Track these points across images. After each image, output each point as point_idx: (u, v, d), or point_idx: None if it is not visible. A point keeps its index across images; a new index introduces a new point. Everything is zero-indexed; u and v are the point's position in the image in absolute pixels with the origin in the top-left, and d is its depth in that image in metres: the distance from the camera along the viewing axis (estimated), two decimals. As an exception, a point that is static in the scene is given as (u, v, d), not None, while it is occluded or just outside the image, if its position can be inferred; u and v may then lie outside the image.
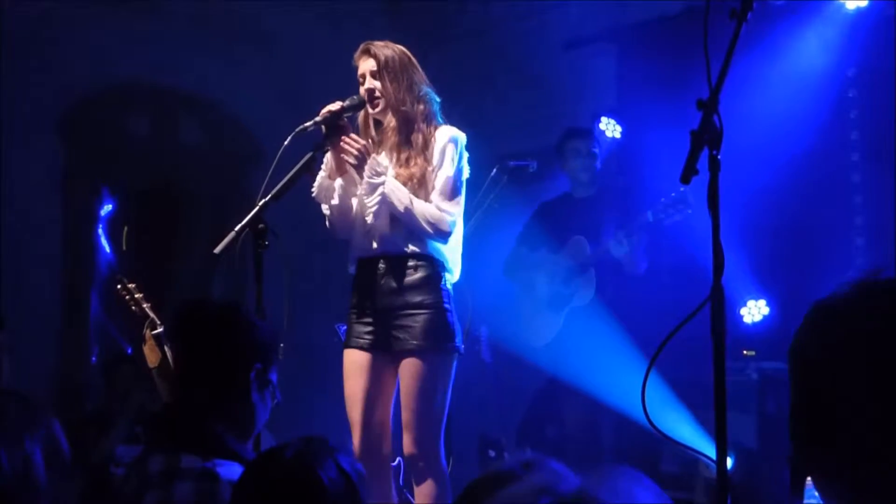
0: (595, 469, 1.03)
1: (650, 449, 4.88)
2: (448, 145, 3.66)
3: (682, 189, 4.60)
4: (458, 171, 3.68)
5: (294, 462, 1.92)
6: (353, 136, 3.63)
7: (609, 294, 5.04)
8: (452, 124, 3.76)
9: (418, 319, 3.59)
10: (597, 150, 5.26)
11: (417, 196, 3.61)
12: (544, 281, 5.25)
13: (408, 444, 3.60)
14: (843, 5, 5.13)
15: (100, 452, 4.76)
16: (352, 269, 3.78)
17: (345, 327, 3.85)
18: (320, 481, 1.87)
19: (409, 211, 3.58)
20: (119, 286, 3.70)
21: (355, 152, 3.58)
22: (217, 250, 3.28)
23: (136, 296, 3.65)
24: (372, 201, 3.58)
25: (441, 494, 3.61)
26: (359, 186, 3.66)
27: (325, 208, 3.73)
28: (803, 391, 1.29)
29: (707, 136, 2.15)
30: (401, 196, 3.58)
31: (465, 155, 3.73)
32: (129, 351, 5.71)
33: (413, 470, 3.66)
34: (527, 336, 5.28)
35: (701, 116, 2.18)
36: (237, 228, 3.31)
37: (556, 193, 5.48)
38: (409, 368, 3.60)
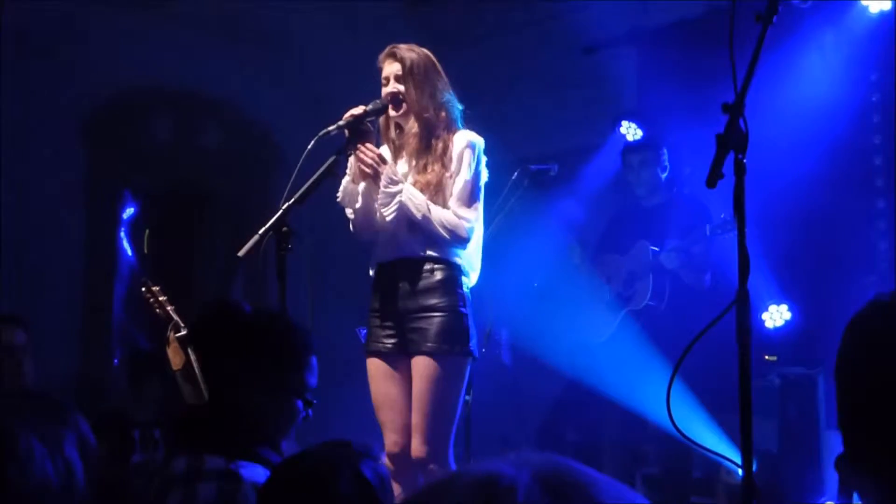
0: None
1: (681, 456, 4.86)
2: (465, 150, 3.66)
3: None
4: (476, 176, 3.68)
5: (312, 469, 1.92)
6: (368, 145, 3.64)
7: (665, 302, 5.08)
8: (472, 128, 3.76)
9: (433, 322, 3.60)
10: (656, 162, 5.27)
11: (436, 201, 3.62)
12: (607, 281, 5.32)
13: (417, 446, 3.60)
14: (866, 8, 5.10)
15: (117, 453, 4.77)
16: (372, 273, 3.79)
17: (365, 330, 3.87)
18: (337, 490, 1.87)
19: (426, 218, 3.59)
20: (143, 289, 3.72)
21: (370, 161, 3.59)
22: (241, 253, 3.29)
23: (160, 298, 3.66)
24: (389, 210, 3.59)
25: None
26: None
27: (349, 212, 3.74)
28: (862, 395, 1.30)
29: (732, 140, 2.14)
30: (418, 204, 3.58)
31: (484, 159, 3.73)
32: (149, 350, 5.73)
33: (422, 472, 3.66)
34: (585, 333, 5.33)
35: (726, 120, 2.18)
36: (261, 232, 3.32)
37: (631, 199, 5.52)
38: (421, 370, 3.61)
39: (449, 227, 3.60)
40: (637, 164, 5.28)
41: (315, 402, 2.48)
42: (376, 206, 3.64)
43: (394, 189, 3.59)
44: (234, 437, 2.33)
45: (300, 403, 2.45)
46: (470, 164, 3.65)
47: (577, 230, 5.99)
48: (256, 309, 2.63)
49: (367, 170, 3.60)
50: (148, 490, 2.35)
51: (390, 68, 3.70)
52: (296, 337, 2.48)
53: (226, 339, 2.44)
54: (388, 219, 3.59)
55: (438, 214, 3.60)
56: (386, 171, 3.60)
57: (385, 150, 3.77)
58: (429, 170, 3.65)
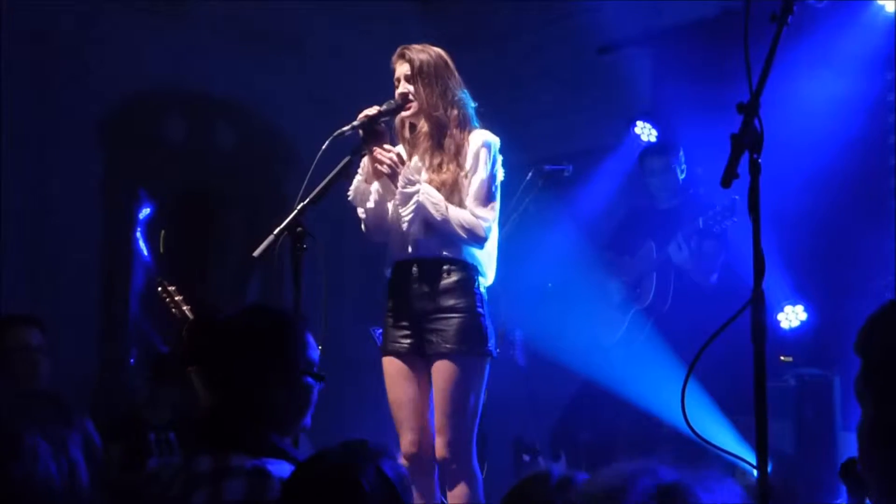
0: (688, 467, 1.06)
1: (696, 456, 4.86)
2: (481, 150, 3.67)
3: (735, 197, 4.65)
4: (492, 175, 3.69)
5: (335, 469, 1.93)
6: (385, 146, 3.65)
7: (670, 300, 5.08)
8: (487, 127, 3.77)
9: (451, 323, 3.61)
10: (676, 165, 5.28)
11: (451, 201, 3.62)
12: (617, 282, 5.33)
13: (440, 447, 3.62)
14: (882, 7, 5.08)
15: (133, 456, 4.78)
16: (387, 273, 3.80)
17: (380, 331, 3.88)
18: (361, 489, 1.88)
19: (444, 218, 3.59)
20: (160, 288, 3.74)
21: (388, 162, 3.60)
22: (256, 253, 3.31)
23: (176, 298, 3.69)
24: (406, 210, 3.60)
25: (473, 497, 3.62)
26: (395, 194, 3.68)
27: (361, 212, 3.75)
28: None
29: (748, 140, 2.14)
30: (436, 203, 3.59)
31: (500, 159, 3.73)
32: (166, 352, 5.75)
33: (446, 473, 3.67)
34: (597, 334, 5.35)
35: (742, 120, 2.17)
36: (276, 232, 3.34)
37: (645, 199, 5.52)
38: (441, 372, 3.61)
39: (467, 226, 3.61)
40: (658, 169, 5.28)
41: (324, 374, 2.49)
42: (394, 205, 3.65)
43: (411, 189, 3.59)
44: (256, 432, 2.33)
45: (310, 380, 2.45)
46: (486, 163, 3.66)
47: (589, 227, 5.99)
48: (235, 311, 2.63)
49: (385, 170, 3.61)
50: (167, 492, 2.34)
51: (400, 69, 3.72)
52: (286, 321, 2.49)
53: (220, 347, 2.44)
54: (406, 219, 3.60)
55: (456, 214, 3.61)
56: (404, 172, 3.60)
57: (401, 150, 3.78)
58: (444, 169, 3.66)
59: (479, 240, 3.65)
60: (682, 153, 5.31)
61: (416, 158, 3.73)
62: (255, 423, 2.35)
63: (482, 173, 3.66)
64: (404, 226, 3.62)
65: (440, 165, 3.67)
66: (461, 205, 3.64)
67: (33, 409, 1.53)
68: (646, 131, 5.79)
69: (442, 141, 3.68)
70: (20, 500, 1.42)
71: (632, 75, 6.24)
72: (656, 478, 1.03)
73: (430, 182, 3.65)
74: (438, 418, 3.62)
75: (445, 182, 3.64)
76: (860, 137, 5.15)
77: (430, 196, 3.60)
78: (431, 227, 3.64)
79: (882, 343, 1.33)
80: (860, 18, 5.17)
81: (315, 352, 2.49)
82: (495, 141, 3.72)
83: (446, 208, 3.60)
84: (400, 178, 3.60)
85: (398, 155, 3.64)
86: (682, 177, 5.30)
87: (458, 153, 3.67)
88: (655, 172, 5.30)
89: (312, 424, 2.71)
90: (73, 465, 1.51)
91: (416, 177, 3.63)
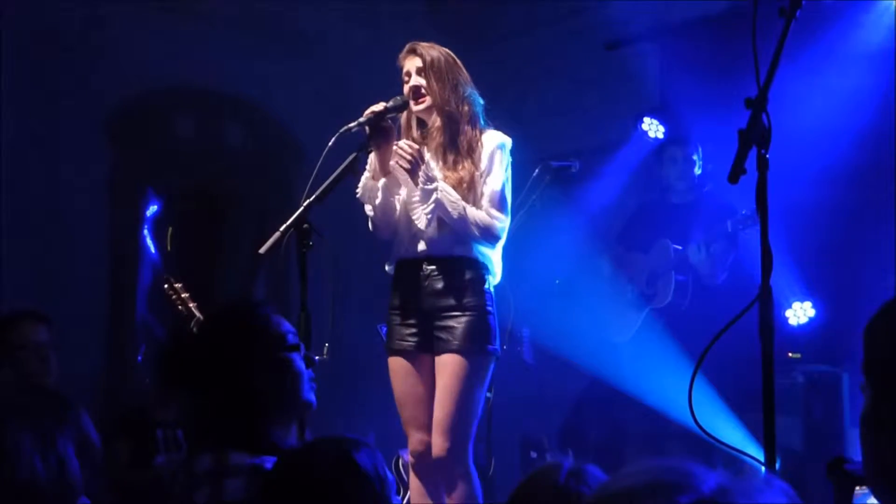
0: (734, 469, 0.97)
1: (705, 454, 4.85)
2: (497, 151, 3.67)
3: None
4: (508, 177, 3.69)
5: (306, 459, 1.98)
6: (406, 141, 3.64)
7: (688, 299, 5.07)
8: (494, 125, 3.76)
9: (461, 321, 3.60)
10: (696, 157, 5.27)
11: (466, 199, 3.62)
12: (630, 279, 5.32)
13: (438, 444, 3.60)
14: (889, 6, 5.06)
15: (140, 453, 4.78)
16: (390, 270, 3.79)
17: (386, 328, 3.87)
18: (330, 477, 1.92)
19: (462, 217, 3.59)
20: (166, 285, 3.74)
21: (409, 157, 3.59)
22: (262, 251, 3.30)
23: (183, 295, 3.69)
24: (427, 208, 3.58)
25: (470, 495, 3.61)
26: (404, 188, 3.67)
27: (368, 209, 3.74)
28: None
29: (755, 135, 2.13)
30: (454, 201, 3.59)
31: (510, 159, 3.73)
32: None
33: (443, 471, 3.65)
34: (608, 331, 5.34)
35: (749, 115, 2.16)
36: (282, 229, 3.33)
37: (657, 194, 5.51)
38: (447, 368, 3.61)
39: (482, 225, 3.61)
40: (682, 159, 5.28)
41: (298, 344, 2.47)
42: (413, 201, 3.63)
43: (431, 186, 3.59)
44: (255, 430, 2.34)
45: (291, 355, 2.43)
46: (501, 165, 3.67)
47: (596, 223, 5.98)
48: (203, 323, 2.61)
49: (406, 165, 3.59)
50: (172, 489, 2.36)
51: (411, 63, 3.71)
52: (247, 312, 2.49)
53: (200, 363, 2.43)
54: (425, 216, 3.59)
55: (473, 214, 3.61)
56: (424, 168, 3.60)
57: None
58: (459, 167, 3.65)
59: (493, 239, 3.65)
60: (700, 149, 5.32)
61: (428, 156, 3.72)
62: (254, 421, 2.35)
63: (498, 175, 3.66)
64: (421, 222, 3.61)
65: (455, 163, 3.66)
66: (476, 204, 3.64)
67: (22, 405, 1.52)
68: (653, 128, 5.77)
69: (455, 137, 3.67)
70: (2, 496, 1.41)
71: (640, 71, 6.23)
72: (696, 492, 0.90)
73: (445, 179, 3.64)
74: (439, 414, 3.60)
75: (462, 180, 3.63)
76: (869, 133, 5.13)
77: (447, 194, 3.59)
78: (445, 225, 3.63)
79: (881, 338, 1.34)
80: (867, 15, 5.15)
81: (285, 325, 2.47)
82: (508, 142, 3.72)
83: (463, 207, 3.59)
84: (420, 174, 3.59)
85: (419, 151, 3.63)
86: (698, 172, 5.30)
87: (472, 152, 3.66)
88: (677, 162, 5.29)
89: (318, 423, 2.71)
90: (62, 461, 1.50)
91: (434, 173, 3.62)
